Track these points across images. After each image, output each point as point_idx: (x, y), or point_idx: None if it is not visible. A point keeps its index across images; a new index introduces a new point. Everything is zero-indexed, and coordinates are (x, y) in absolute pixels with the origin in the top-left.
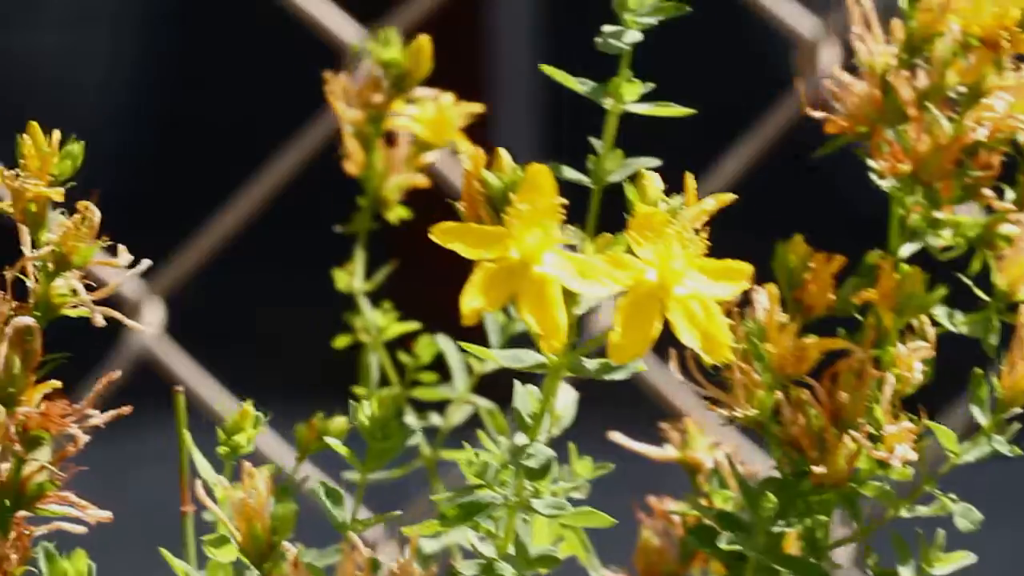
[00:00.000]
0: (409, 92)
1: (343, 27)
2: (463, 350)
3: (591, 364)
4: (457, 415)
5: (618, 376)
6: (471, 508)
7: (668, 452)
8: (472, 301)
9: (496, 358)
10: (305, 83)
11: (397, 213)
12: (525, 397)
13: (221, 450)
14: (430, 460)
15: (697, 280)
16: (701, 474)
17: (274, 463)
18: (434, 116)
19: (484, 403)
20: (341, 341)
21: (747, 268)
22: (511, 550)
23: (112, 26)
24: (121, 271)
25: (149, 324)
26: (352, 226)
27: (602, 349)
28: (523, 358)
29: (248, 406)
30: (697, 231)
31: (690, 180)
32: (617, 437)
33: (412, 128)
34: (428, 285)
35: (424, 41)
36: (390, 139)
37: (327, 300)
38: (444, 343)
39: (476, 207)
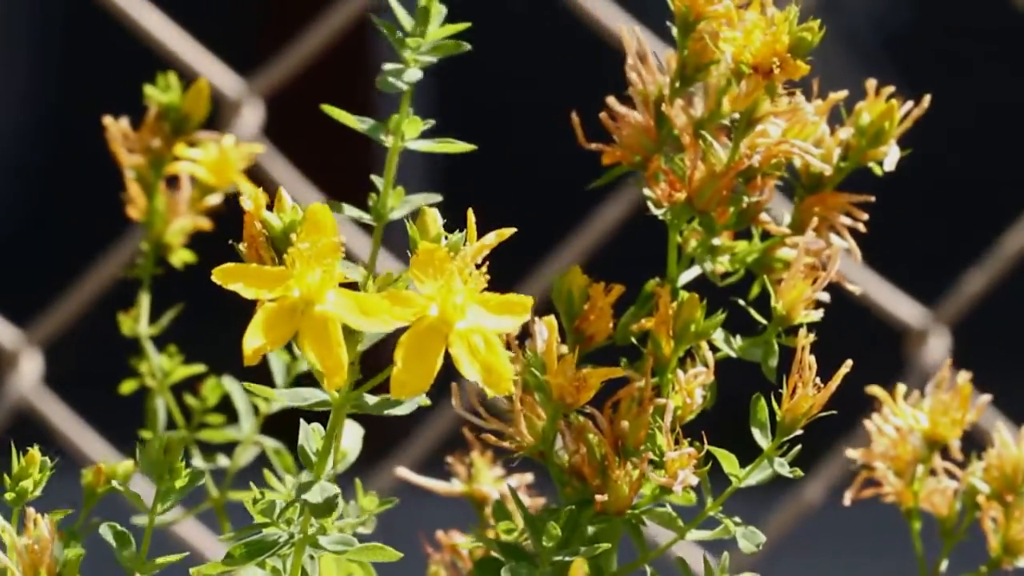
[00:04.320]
0: (189, 135)
1: (222, 77)
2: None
3: (373, 400)
4: (244, 456)
5: (400, 411)
6: (258, 547)
7: (454, 487)
8: (253, 341)
9: (279, 398)
10: None
11: (181, 257)
12: (309, 435)
13: (8, 496)
14: (218, 502)
15: (478, 314)
16: (488, 507)
17: (65, 509)
18: (216, 159)
19: (271, 443)
20: (127, 386)
21: (528, 301)
22: None
23: None
24: None
25: (26, 373)
26: (136, 271)
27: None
28: (306, 396)
29: (34, 451)
30: (478, 266)
31: (471, 215)
32: (403, 473)
33: (194, 171)
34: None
35: (203, 84)
36: (173, 183)
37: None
38: (230, 385)
39: (258, 248)
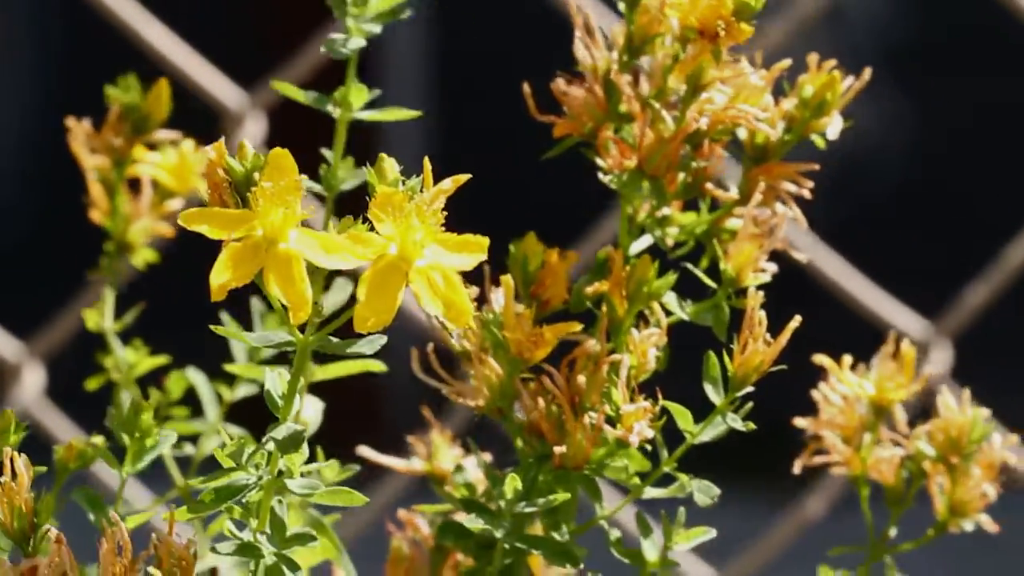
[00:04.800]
0: (150, 135)
1: (224, 90)
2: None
3: (336, 340)
4: (209, 445)
5: (364, 351)
6: (226, 491)
7: (415, 465)
8: (220, 277)
9: (247, 339)
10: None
11: (143, 257)
12: (275, 379)
13: None
14: (184, 490)
15: (437, 252)
16: (448, 485)
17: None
18: (176, 163)
19: (235, 430)
20: (93, 382)
21: (484, 241)
22: (268, 531)
23: None
24: None
25: (29, 386)
26: (100, 271)
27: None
28: (272, 338)
29: (9, 411)
30: (436, 209)
31: (427, 163)
32: (365, 451)
33: (155, 175)
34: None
35: (163, 85)
36: (135, 186)
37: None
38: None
39: (221, 194)
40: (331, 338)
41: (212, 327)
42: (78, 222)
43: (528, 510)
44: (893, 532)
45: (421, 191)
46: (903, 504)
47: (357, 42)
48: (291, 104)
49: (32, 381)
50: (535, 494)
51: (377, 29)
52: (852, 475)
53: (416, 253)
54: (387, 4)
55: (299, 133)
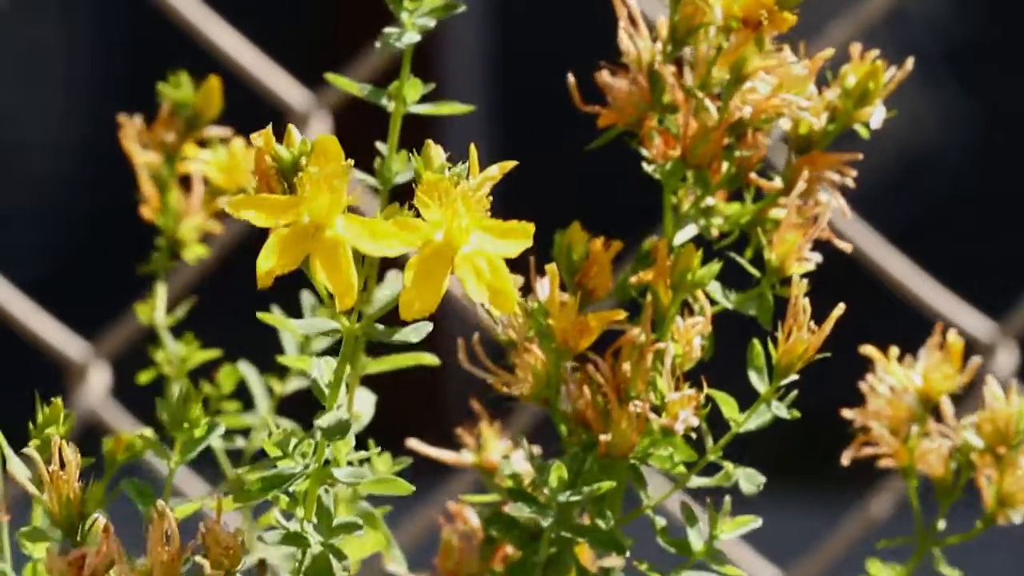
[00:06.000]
0: (201, 132)
1: (289, 89)
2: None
3: (382, 328)
4: (260, 439)
5: (411, 338)
6: (272, 480)
7: (464, 457)
8: (266, 263)
9: (292, 327)
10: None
11: (195, 252)
12: (322, 367)
13: (33, 443)
14: (234, 481)
15: (482, 239)
16: (497, 477)
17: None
18: (227, 161)
19: (287, 424)
20: (145, 376)
21: (530, 227)
22: (314, 521)
23: (65, 88)
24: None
25: (95, 386)
26: (150, 266)
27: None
28: (319, 326)
29: (58, 401)
30: (482, 196)
31: (473, 149)
32: (414, 444)
33: (206, 173)
34: None
35: (214, 81)
36: (186, 184)
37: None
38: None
39: (268, 182)
40: (377, 325)
41: (259, 315)
42: (144, 222)
43: (574, 499)
44: (942, 524)
45: (467, 178)
46: (952, 496)
47: (411, 36)
48: (356, 104)
49: (98, 381)
50: (581, 483)
51: (432, 23)
52: (900, 466)
53: (462, 239)
54: None
55: (364, 133)
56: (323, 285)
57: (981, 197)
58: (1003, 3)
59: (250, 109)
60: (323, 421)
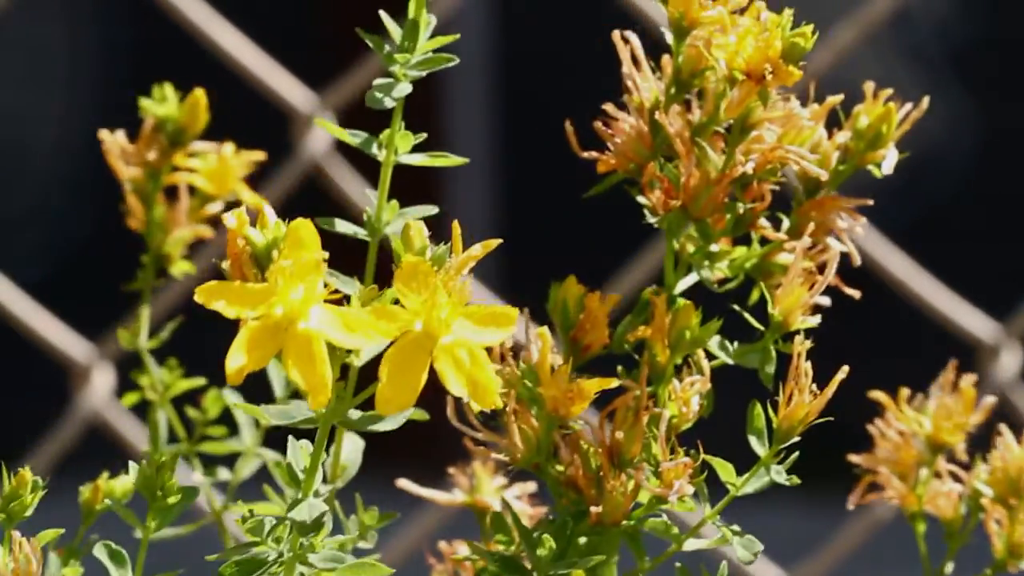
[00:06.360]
0: (186, 147)
1: (293, 92)
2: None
3: (358, 415)
4: (246, 468)
5: (386, 427)
6: (248, 566)
7: (456, 497)
8: (236, 360)
9: (264, 415)
10: (256, 146)
11: (181, 268)
12: (297, 451)
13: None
14: (219, 514)
15: (464, 327)
16: (489, 518)
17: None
18: (216, 167)
19: (272, 455)
20: (129, 399)
21: (513, 313)
22: None
23: (67, 88)
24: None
25: (99, 388)
26: (136, 284)
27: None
28: (292, 413)
29: (26, 471)
30: (463, 277)
31: (456, 227)
32: (405, 484)
33: (193, 180)
34: None
35: (199, 95)
36: (172, 193)
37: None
38: (231, 397)
39: (241, 265)
40: (352, 412)
41: (231, 404)
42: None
43: (563, 572)
44: (950, 568)
45: (450, 256)
46: (961, 539)
47: (403, 89)
48: (359, 104)
49: (101, 382)
50: (572, 552)
51: (423, 74)
52: (908, 512)
53: (443, 330)
54: (434, 45)
55: (368, 133)
56: (295, 381)
57: (986, 198)
58: (1008, 5)
59: (252, 110)
60: (298, 513)
